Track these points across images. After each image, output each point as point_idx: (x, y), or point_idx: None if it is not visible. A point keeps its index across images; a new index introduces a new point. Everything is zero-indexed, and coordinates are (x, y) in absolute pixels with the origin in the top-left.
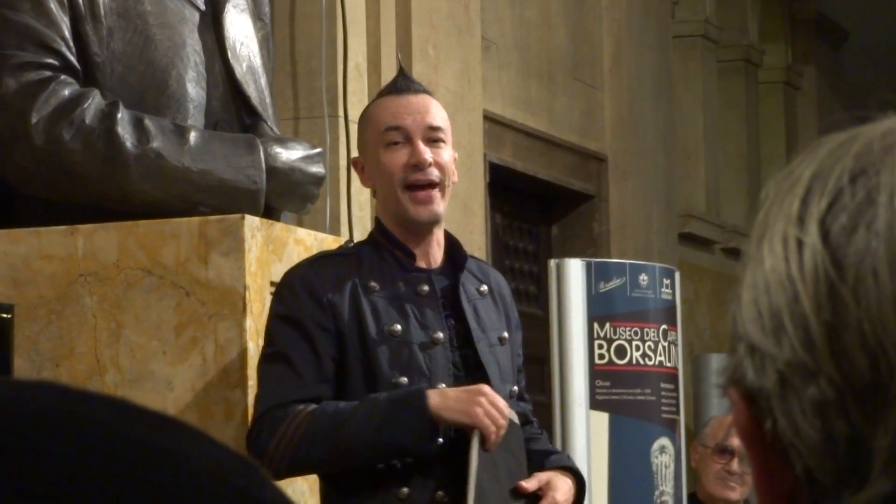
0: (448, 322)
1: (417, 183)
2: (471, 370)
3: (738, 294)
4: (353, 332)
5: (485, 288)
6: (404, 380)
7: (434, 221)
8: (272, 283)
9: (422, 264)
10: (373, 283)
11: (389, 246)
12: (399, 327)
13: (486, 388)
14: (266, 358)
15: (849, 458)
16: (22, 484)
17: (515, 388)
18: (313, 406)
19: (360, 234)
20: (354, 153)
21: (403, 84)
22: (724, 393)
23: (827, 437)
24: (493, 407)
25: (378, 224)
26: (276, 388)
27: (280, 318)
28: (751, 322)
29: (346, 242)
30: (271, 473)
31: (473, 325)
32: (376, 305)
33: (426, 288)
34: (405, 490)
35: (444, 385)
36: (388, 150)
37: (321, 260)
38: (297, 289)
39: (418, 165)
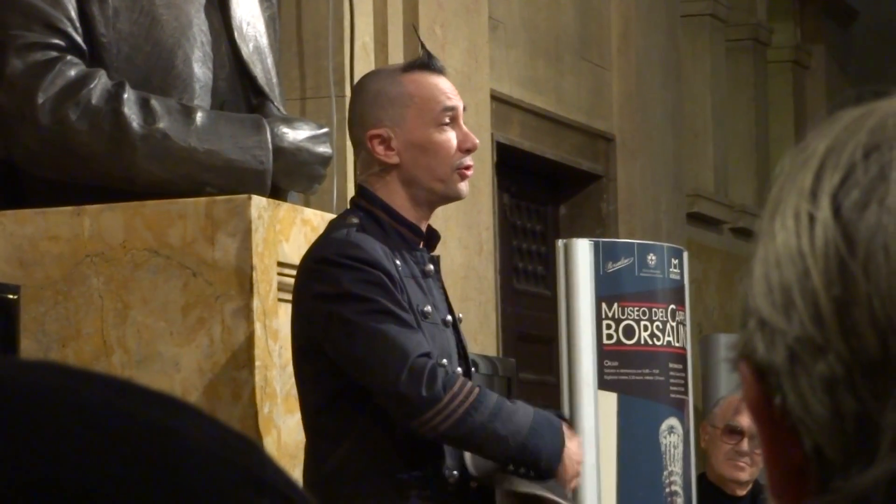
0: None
1: (469, 166)
2: (460, 352)
3: (750, 268)
4: (407, 307)
5: None
6: (445, 361)
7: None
8: (279, 264)
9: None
10: (396, 260)
11: (396, 224)
12: (429, 307)
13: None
14: (369, 312)
15: (857, 434)
16: (24, 461)
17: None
18: (479, 385)
19: None
20: None
21: (439, 65)
22: (734, 367)
23: (835, 414)
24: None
25: (377, 200)
26: (407, 337)
27: (362, 281)
28: (761, 297)
29: (349, 215)
30: (434, 422)
31: (454, 305)
32: (404, 282)
33: (431, 267)
34: (455, 473)
35: (459, 370)
36: (441, 130)
37: (346, 233)
38: (360, 264)
39: (471, 149)
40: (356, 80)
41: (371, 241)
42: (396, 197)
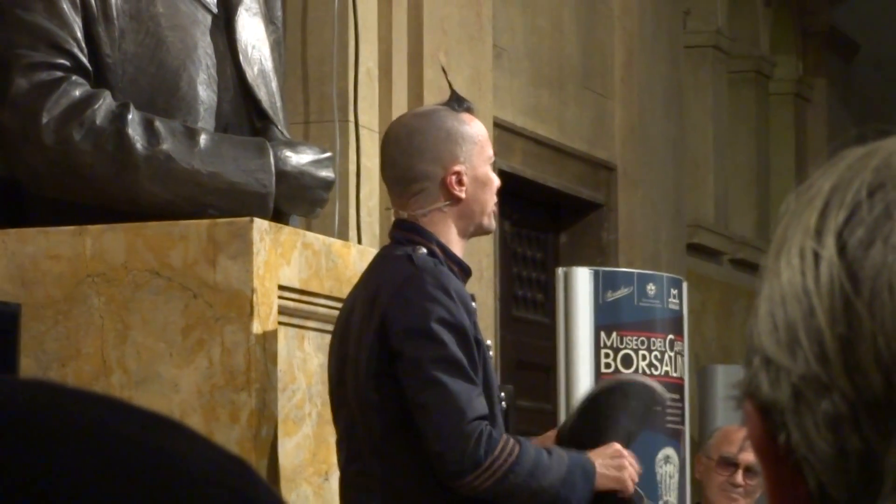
0: None
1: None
2: None
3: (755, 306)
4: (480, 340)
5: None
6: (503, 394)
7: None
8: (280, 287)
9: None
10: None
11: (449, 260)
12: (489, 342)
13: (621, 449)
14: (443, 359)
15: (861, 473)
16: (17, 482)
17: None
18: (520, 441)
19: (368, 239)
20: (364, 158)
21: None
22: (739, 405)
23: (839, 452)
24: (632, 467)
25: (433, 237)
26: (470, 397)
27: (446, 322)
28: (766, 335)
29: (414, 247)
30: (475, 484)
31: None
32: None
33: (474, 305)
34: None
35: (503, 394)
36: (491, 168)
37: (432, 260)
38: (452, 294)
39: (498, 188)
40: (359, 105)
41: (449, 273)
42: (449, 232)
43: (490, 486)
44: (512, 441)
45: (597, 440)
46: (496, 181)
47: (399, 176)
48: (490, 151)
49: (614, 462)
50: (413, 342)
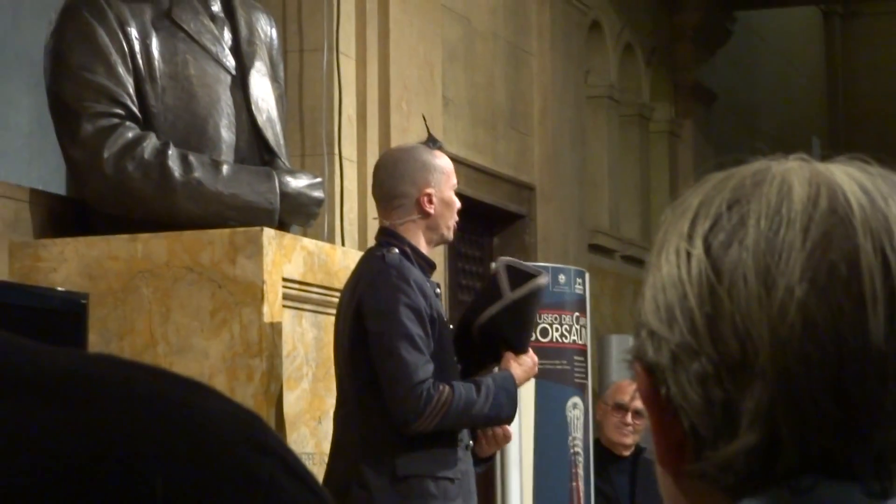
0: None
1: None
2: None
3: (642, 292)
4: (435, 317)
5: None
6: (455, 359)
7: None
8: (283, 279)
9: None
10: (427, 283)
11: (417, 258)
12: (447, 319)
13: (536, 361)
14: (400, 335)
15: (723, 417)
16: (89, 432)
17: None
18: (451, 387)
19: (350, 243)
20: (346, 182)
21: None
22: (629, 366)
23: (707, 402)
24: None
25: (405, 240)
26: (418, 365)
27: (406, 305)
28: (651, 313)
29: (389, 248)
30: (420, 428)
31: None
32: (432, 300)
33: (439, 290)
34: (468, 439)
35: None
36: (453, 193)
37: (399, 258)
38: (412, 283)
39: (458, 210)
40: (343, 142)
41: (413, 267)
42: (419, 238)
43: (434, 426)
44: (448, 390)
45: (517, 336)
46: (457, 203)
47: (384, 193)
48: (454, 180)
49: (531, 371)
50: (378, 320)
